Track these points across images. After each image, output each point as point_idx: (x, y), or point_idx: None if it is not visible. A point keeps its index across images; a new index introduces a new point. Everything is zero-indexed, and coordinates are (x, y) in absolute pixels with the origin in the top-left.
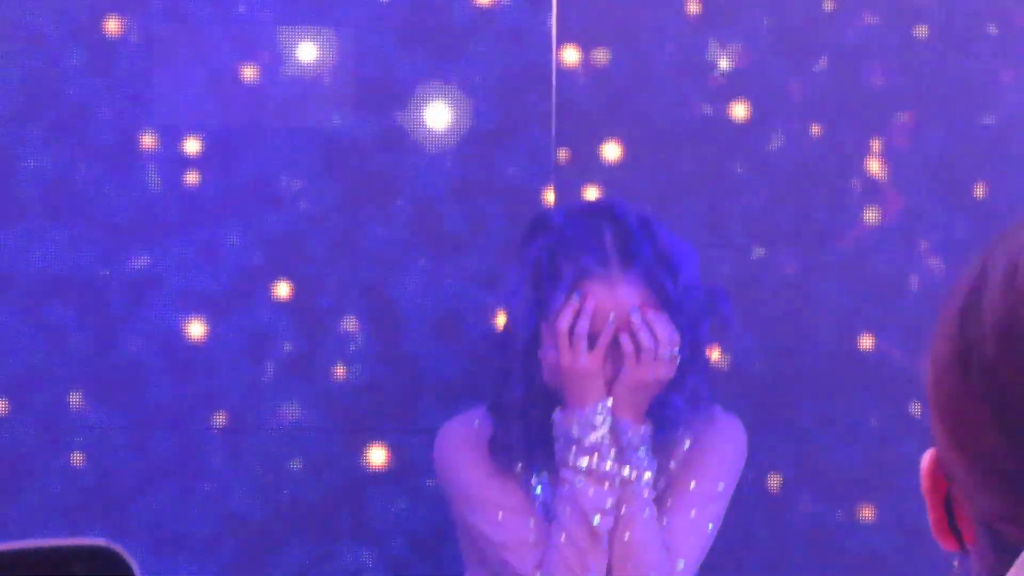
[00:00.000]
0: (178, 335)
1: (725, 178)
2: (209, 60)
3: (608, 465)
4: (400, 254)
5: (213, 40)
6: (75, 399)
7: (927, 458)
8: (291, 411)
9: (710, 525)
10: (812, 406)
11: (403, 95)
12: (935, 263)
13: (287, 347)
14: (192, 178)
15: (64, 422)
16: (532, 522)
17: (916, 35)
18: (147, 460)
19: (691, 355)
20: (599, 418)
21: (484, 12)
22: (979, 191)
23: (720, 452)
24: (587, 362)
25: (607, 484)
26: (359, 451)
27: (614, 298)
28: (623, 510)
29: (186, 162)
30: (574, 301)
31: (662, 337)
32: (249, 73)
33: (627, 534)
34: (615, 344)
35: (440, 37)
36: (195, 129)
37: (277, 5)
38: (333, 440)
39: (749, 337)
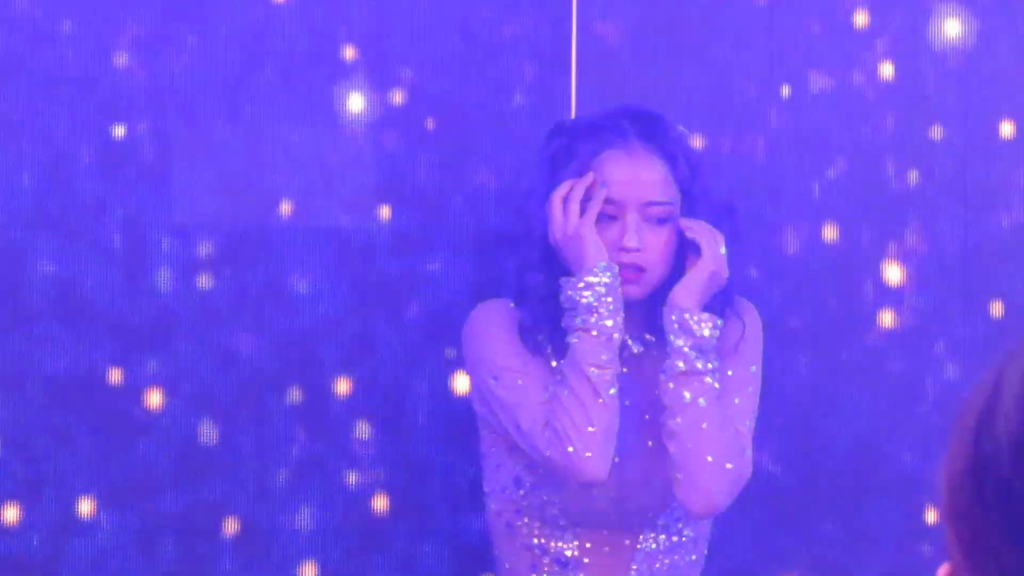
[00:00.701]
0: (189, 439)
1: (739, 279)
2: (221, 160)
3: (609, 323)
4: (414, 357)
5: (225, 140)
6: (85, 505)
7: (943, 572)
8: (303, 516)
9: (753, 407)
10: (827, 509)
11: (418, 196)
12: (951, 367)
13: (298, 451)
14: (204, 280)
15: (73, 527)
16: (548, 390)
17: (932, 136)
18: (156, 566)
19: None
20: (596, 278)
21: (498, 115)
22: (996, 294)
23: (748, 336)
24: (578, 227)
25: (605, 340)
26: (370, 555)
27: (633, 167)
28: (701, 401)
29: (198, 264)
30: (587, 178)
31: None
32: (262, 174)
33: (704, 424)
34: (641, 229)
35: (457, 138)
36: (207, 231)
37: (288, 105)
38: (346, 543)
39: (764, 439)
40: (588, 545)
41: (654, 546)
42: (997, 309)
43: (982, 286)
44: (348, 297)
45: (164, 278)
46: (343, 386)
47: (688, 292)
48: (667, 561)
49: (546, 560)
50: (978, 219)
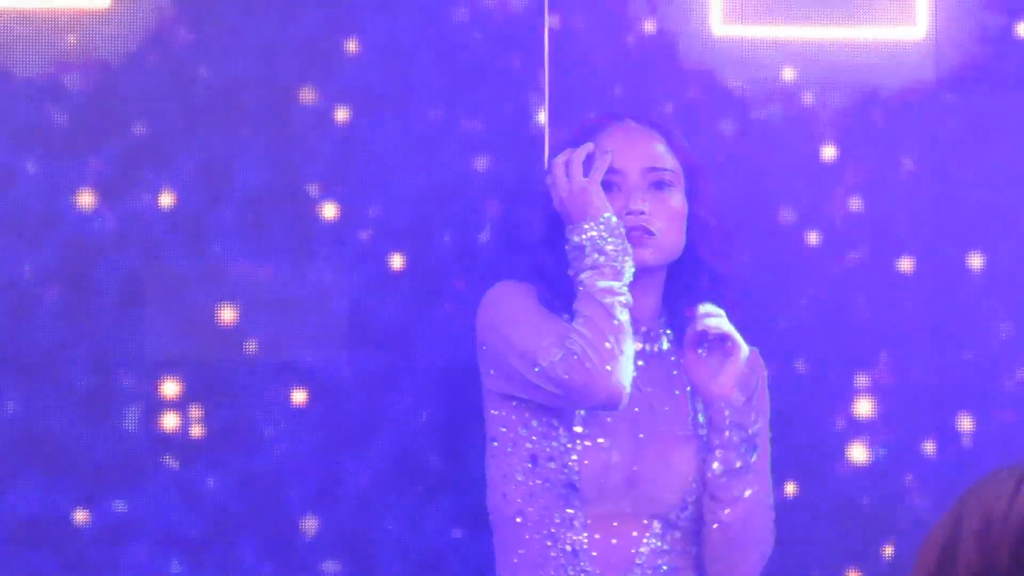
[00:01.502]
0: None
1: None
2: (185, 300)
3: (619, 257)
4: (382, 496)
5: (189, 279)
6: None
7: None
8: None
9: (768, 463)
10: None
11: (384, 334)
12: (921, 500)
13: None
14: (170, 420)
15: None
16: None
17: (900, 268)
18: None
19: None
20: (601, 226)
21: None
22: (964, 426)
23: (761, 387)
24: (583, 185)
25: (614, 272)
26: None
27: (631, 136)
28: (747, 493)
29: (163, 404)
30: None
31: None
32: (227, 313)
33: (752, 517)
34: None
35: (423, 277)
36: (173, 370)
37: (251, 244)
38: None
39: None
40: (597, 536)
41: (658, 544)
42: (965, 442)
43: (950, 415)
44: (315, 435)
45: (131, 417)
46: (310, 525)
47: (732, 382)
48: (670, 558)
49: (554, 553)
50: (946, 351)
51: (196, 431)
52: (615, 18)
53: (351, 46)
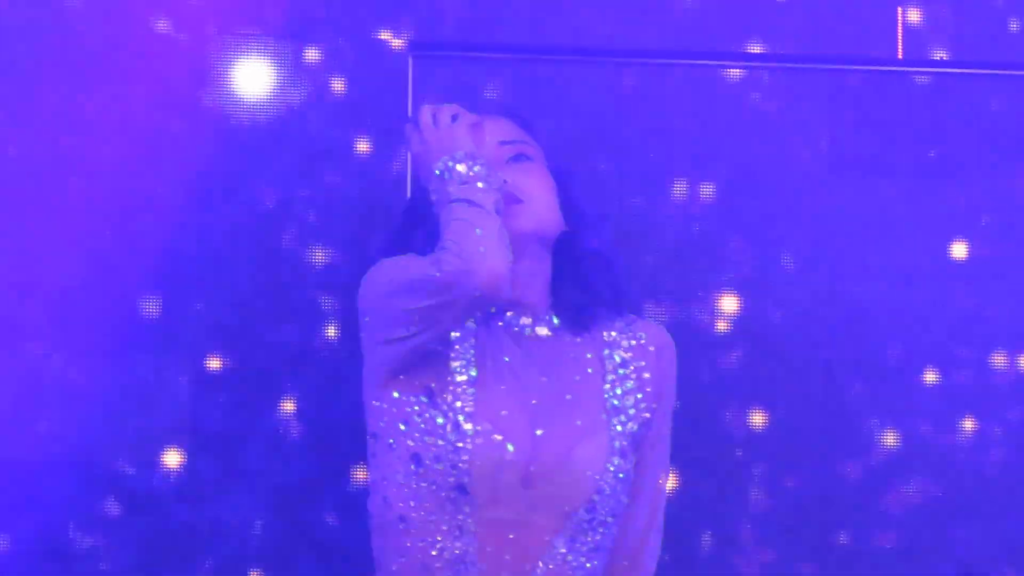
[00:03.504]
0: None
1: None
2: None
3: (484, 183)
4: None
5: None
6: None
7: None
8: None
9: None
10: None
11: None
12: None
13: None
14: None
15: None
16: None
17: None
18: None
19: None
20: (470, 161)
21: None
22: (843, 540)
23: (671, 372)
24: (448, 124)
25: (470, 179)
26: None
27: (481, 121)
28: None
29: None
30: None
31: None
32: (39, 416)
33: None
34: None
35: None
36: None
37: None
38: None
39: None
40: (488, 548)
41: (563, 550)
42: (844, 554)
43: (828, 534)
44: (137, 550)
45: None
46: None
47: None
48: (570, 570)
49: (439, 563)
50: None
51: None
52: None
53: None
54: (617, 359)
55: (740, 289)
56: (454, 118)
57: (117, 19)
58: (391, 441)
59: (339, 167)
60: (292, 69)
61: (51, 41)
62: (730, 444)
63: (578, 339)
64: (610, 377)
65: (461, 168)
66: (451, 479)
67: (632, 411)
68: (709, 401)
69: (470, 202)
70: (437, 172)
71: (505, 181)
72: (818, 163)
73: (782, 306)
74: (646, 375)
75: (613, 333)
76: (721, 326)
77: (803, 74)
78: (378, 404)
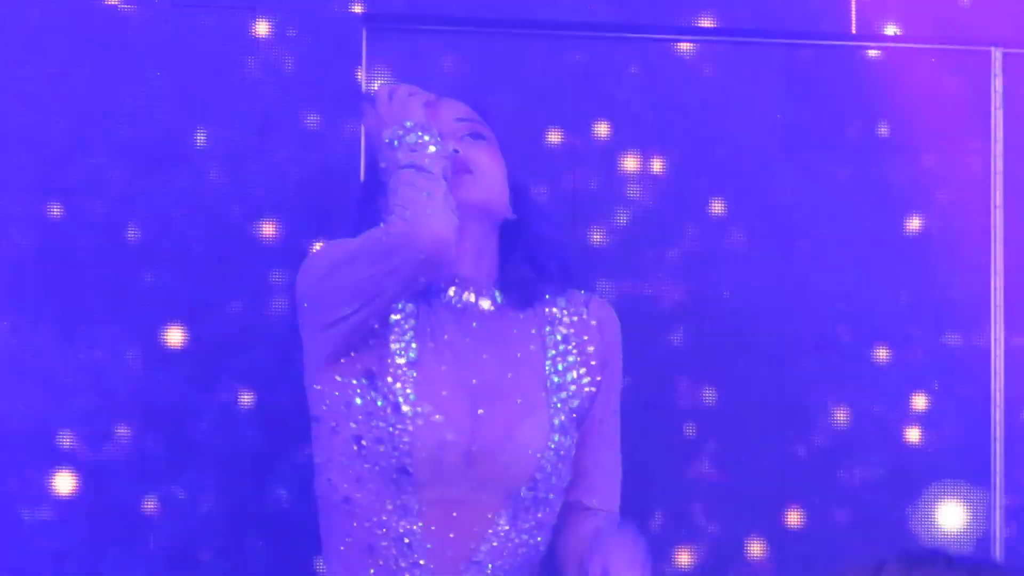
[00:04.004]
0: None
1: None
2: None
3: (434, 148)
4: None
5: None
6: None
7: None
8: None
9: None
10: None
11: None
12: None
13: None
14: None
15: None
16: None
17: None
18: None
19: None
20: (420, 131)
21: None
22: (794, 518)
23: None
24: (402, 96)
25: (435, 155)
26: None
27: (439, 101)
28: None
29: None
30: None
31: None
32: None
33: None
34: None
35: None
36: None
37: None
38: None
39: None
40: (433, 527)
41: (506, 527)
42: None
43: None
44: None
45: None
46: None
47: None
48: (514, 547)
49: (385, 542)
50: None
51: None
52: None
53: None
54: (559, 336)
55: (690, 266)
56: (410, 95)
57: None
58: (333, 424)
59: (290, 140)
60: (243, 41)
61: None
62: (681, 421)
63: (520, 315)
64: (551, 353)
65: (411, 137)
66: (393, 460)
67: (573, 387)
68: (659, 378)
69: (419, 168)
70: (387, 140)
71: (456, 151)
72: (770, 139)
73: (732, 283)
74: (589, 349)
75: (555, 309)
76: (670, 303)
77: (756, 48)
78: (320, 388)
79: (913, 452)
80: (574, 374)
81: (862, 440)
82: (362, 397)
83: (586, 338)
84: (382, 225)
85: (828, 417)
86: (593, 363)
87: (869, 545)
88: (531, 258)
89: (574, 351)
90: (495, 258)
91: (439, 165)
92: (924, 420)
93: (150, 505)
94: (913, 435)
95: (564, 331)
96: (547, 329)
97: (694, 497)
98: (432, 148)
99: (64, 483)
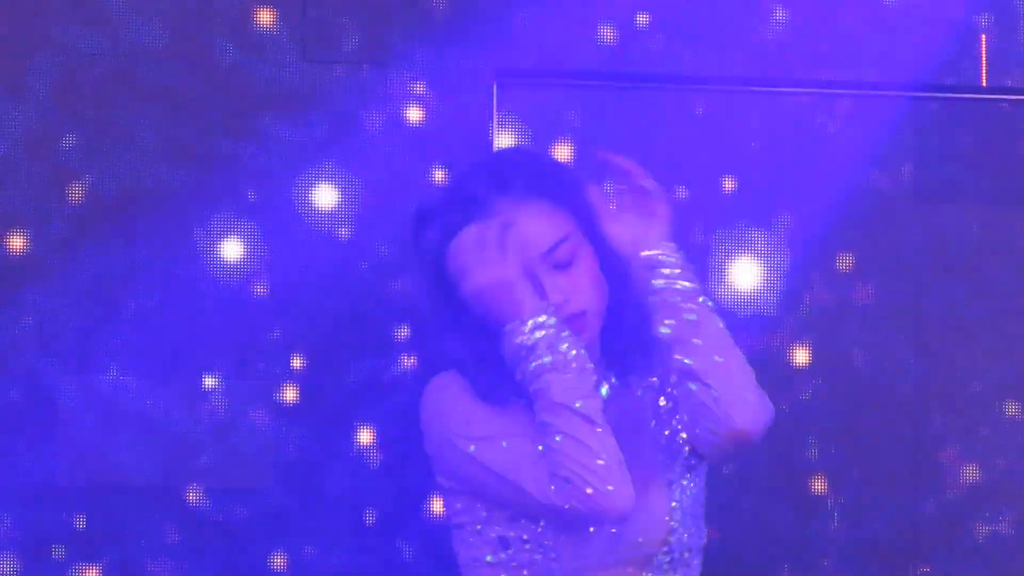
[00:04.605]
0: None
1: None
2: None
3: (575, 352)
4: None
5: None
6: None
7: None
8: None
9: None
10: None
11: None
12: None
13: None
14: None
15: None
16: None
17: None
18: None
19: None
20: (544, 318)
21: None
22: None
23: None
24: (503, 273)
25: (579, 369)
26: None
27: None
28: (708, 316)
29: None
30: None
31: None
32: None
33: (720, 331)
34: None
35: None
36: None
37: None
38: None
39: None
40: None
41: None
42: None
43: None
44: None
45: None
46: None
47: (659, 238)
48: None
49: None
50: None
51: None
52: None
53: None
54: (661, 402)
55: (819, 321)
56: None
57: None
58: (479, 527)
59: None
60: (373, 94)
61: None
62: (808, 477)
63: (632, 391)
64: (654, 424)
65: (539, 340)
66: (538, 556)
67: (675, 447)
68: (789, 435)
69: (577, 413)
70: (516, 341)
71: (565, 302)
72: (899, 189)
73: (861, 339)
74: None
75: (654, 379)
76: (800, 359)
77: (884, 100)
78: (457, 503)
79: None
80: (671, 430)
81: (993, 496)
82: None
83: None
84: (556, 485)
85: (958, 473)
86: (670, 405)
87: None
88: (627, 330)
89: (667, 408)
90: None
91: (598, 400)
92: None
93: (279, 561)
94: None
95: (661, 401)
96: (655, 399)
97: (823, 553)
98: (565, 346)
99: (191, 539)
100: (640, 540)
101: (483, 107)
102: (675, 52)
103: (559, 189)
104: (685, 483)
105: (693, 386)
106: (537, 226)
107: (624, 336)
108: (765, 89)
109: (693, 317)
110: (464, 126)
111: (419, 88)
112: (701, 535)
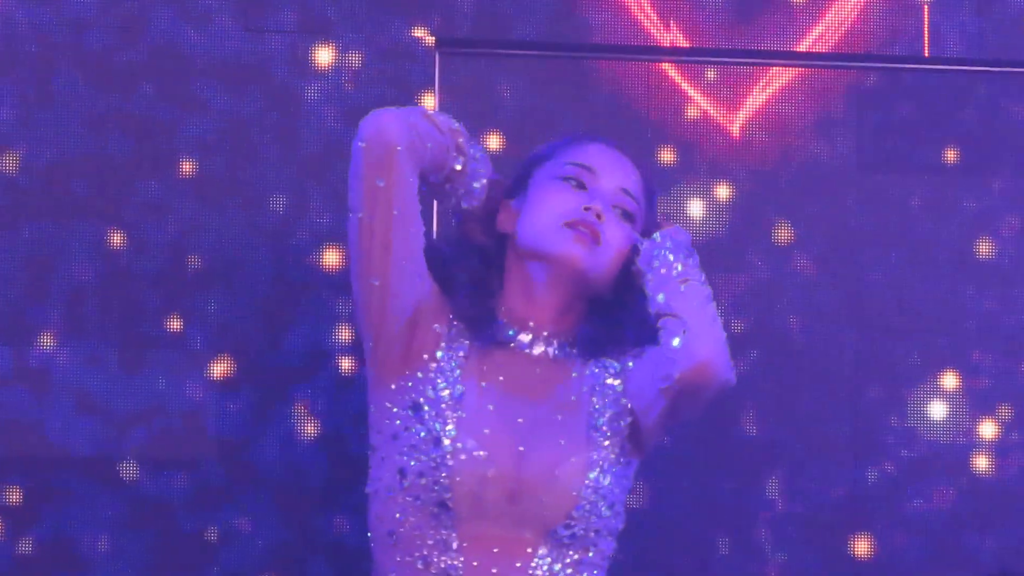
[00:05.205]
0: None
1: None
2: None
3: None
4: None
5: None
6: None
7: None
8: None
9: None
10: None
11: None
12: None
13: None
14: None
15: None
16: None
17: None
18: None
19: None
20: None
21: None
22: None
23: None
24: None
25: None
26: None
27: (615, 155)
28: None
29: None
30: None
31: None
32: None
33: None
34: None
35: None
36: None
37: None
38: None
39: None
40: (475, 563)
41: (547, 566)
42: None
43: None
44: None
45: None
46: None
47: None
48: None
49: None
50: None
51: None
52: None
53: None
54: (612, 381)
55: (758, 293)
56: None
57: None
58: (382, 455)
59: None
60: (313, 64)
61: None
62: (749, 449)
63: (578, 364)
64: (596, 404)
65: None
66: (433, 494)
67: (615, 428)
68: (727, 406)
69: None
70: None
71: (600, 216)
72: (840, 160)
73: (800, 310)
74: (619, 389)
75: (609, 360)
76: (738, 330)
77: (827, 72)
78: (374, 411)
79: (982, 479)
80: (611, 415)
81: (930, 467)
82: (407, 428)
83: (619, 381)
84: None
85: (897, 444)
86: (623, 401)
87: (937, 574)
88: (613, 323)
89: (610, 394)
90: (578, 320)
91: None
92: (993, 447)
93: (212, 536)
94: (982, 463)
95: (612, 382)
96: (598, 380)
97: (761, 524)
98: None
99: (125, 512)
100: (545, 508)
101: (425, 77)
102: (615, 23)
103: (648, 182)
104: (608, 466)
105: (669, 318)
106: (632, 173)
107: (598, 319)
108: (705, 60)
109: (681, 270)
110: (405, 97)
111: (359, 58)
112: (616, 521)
